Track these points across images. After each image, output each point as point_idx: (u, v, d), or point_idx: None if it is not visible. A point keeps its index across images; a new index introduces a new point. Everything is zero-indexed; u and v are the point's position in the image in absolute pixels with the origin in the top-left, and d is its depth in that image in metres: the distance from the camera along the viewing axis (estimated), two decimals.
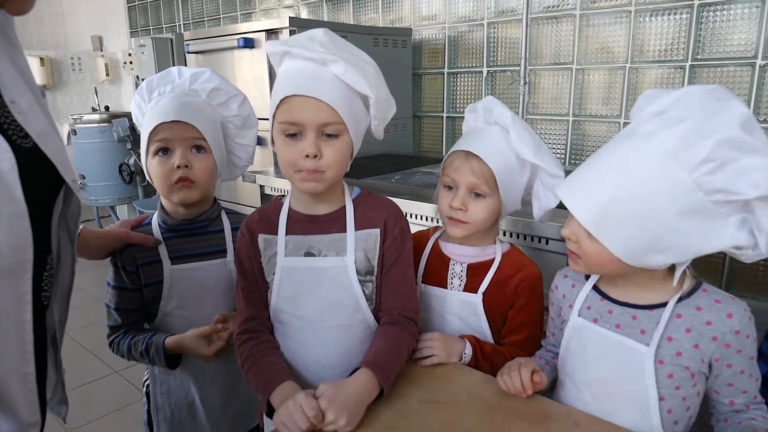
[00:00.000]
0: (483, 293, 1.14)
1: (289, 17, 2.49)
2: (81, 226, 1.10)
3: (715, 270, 2.49)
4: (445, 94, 3.29)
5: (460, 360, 1.07)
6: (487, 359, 1.10)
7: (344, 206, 1.07)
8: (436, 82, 3.33)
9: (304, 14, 3.89)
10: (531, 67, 2.92)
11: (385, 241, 1.06)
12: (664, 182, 0.77)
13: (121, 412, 2.38)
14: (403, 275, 1.08)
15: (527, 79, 2.93)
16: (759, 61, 2.27)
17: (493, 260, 1.16)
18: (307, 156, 0.96)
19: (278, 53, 1.00)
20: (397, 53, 3.10)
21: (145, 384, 1.31)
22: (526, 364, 0.96)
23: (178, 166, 1.14)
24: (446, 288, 1.18)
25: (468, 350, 1.08)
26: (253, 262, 1.08)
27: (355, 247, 1.04)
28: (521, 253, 1.21)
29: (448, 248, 1.20)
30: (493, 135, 1.11)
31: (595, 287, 0.98)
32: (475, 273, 1.17)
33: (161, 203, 1.23)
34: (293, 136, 0.97)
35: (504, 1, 2.94)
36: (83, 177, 4.65)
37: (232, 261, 1.18)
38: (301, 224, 1.07)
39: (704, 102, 0.76)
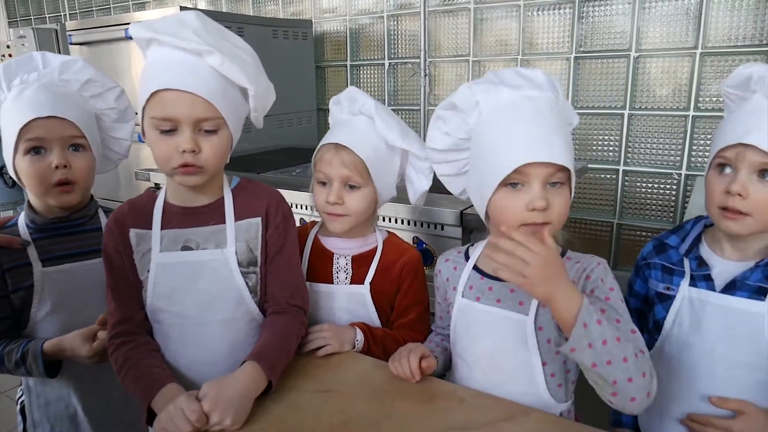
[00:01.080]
0: (370, 283, 1.15)
1: (180, 6, 2.38)
2: None
3: (603, 247, 2.70)
4: (348, 87, 3.29)
5: (353, 348, 1.08)
6: (378, 344, 1.11)
7: (223, 197, 1.03)
8: (340, 75, 3.32)
9: (202, 5, 3.74)
10: (431, 60, 2.98)
11: (267, 230, 1.04)
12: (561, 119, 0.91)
13: None
14: (288, 263, 1.06)
15: (427, 71, 2.99)
16: (633, 53, 2.45)
17: (375, 249, 1.17)
18: (184, 151, 0.92)
19: (144, 39, 0.94)
20: (298, 45, 3.06)
21: (20, 400, 1.20)
22: (415, 350, 0.99)
23: (56, 167, 1.06)
24: (332, 283, 1.16)
25: (360, 337, 1.08)
26: (124, 259, 1.01)
27: (236, 237, 1.01)
28: (399, 238, 1.23)
29: (330, 243, 1.19)
30: (359, 125, 1.11)
31: (475, 267, 1.02)
32: (360, 264, 1.16)
33: (29, 201, 1.13)
34: (168, 131, 0.93)
35: None
36: None
37: None
38: (177, 217, 1.01)
39: (521, 71, 0.91)
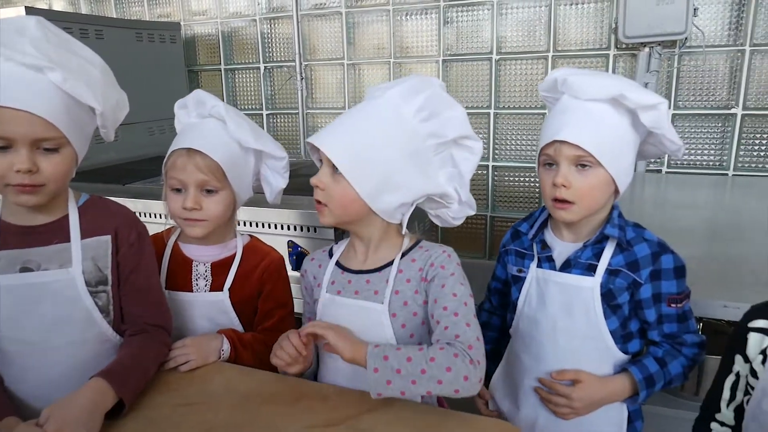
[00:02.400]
0: (229, 290, 1.13)
1: (26, 6, 2.19)
2: None
3: (479, 239, 2.86)
4: (224, 92, 3.21)
5: (219, 358, 1.06)
6: (248, 348, 1.10)
7: (67, 214, 0.98)
8: (215, 79, 3.23)
9: (59, 6, 3.47)
10: (307, 63, 2.99)
11: (119, 249, 1.00)
12: (396, 126, 0.93)
13: None
14: (147, 282, 1.03)
15: (303, 75, 2.99)
16: (494, 56, 2.61)
17: (235, 255, 1.16)
18: (20, 171, 0.85)
19: None
20: (167, 49, 2.93)
21: None
22: (292, 332, 0.99)
23: None
24: (192, 291, 1.13)
25: (225, 346, 1.06)
26: None
27: (83, 256, 0.95)
28: (261, 242, 1.23)
29: (189, 250, 1.16)
30: (210, 128, 1.09)
31: (337, 263, 1.05)
32: (219, 271, 1.14)
33: None
34: (2, 148, 0.85)
35: None
36: None
37: None
38: (15, 237, 0.94)
39: (412, 77, 0.97)
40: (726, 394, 0.91)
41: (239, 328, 1.15)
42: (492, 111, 2.68)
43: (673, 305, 0.99)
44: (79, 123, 0.91)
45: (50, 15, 2.33)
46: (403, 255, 0.99)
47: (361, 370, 0.96)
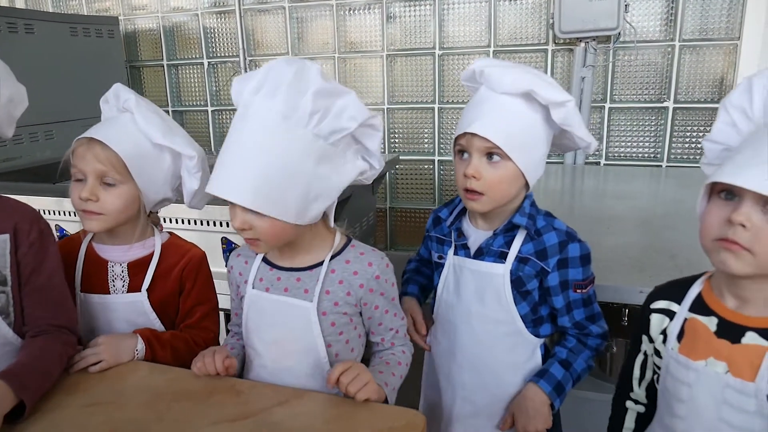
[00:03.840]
0: (147, 290, 1.11)
1: None
2: None
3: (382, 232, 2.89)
4: (167, 87, 3.14)
5: (133, 358, 1.03)
6: (166, 347, 1.07)
7: None
8: (158, 75, 3.16)
9: None
10: (251, 58, 2.95)
11: (18, 248, 0.97)
12: (293, 143, 0.86)
13: None
14: (49, 282, 1.00)
15: (247, 70, 2.95)
16: (437, 52, 2.64)
17: (153, 254, 1.13)
18: None
19: None
20: (104, 44, 2.84)
21: None
22: (220, 351, 0.99)
23: None
24: (109, 293, 1.10)
25: (140, 346, 1.04)
26: None
27: None
28: (181, 239, 1.20)
29: (104, 250, 1.12)
30: (122, 121, 1.06)
31: (265, 259, 1.04)
32: (137, 271, 1.11)
33: None
34: None
35: None
36: None
37: None
38: None
39: (286, 70, 0.87)
40: (636, 372, 0.94)
41: (160, 328, 1.12)
42: (436, 106, 2.71)
43: (578, 291, 1.01)
44: None
45: None
46: (335, 255, 0.98)
47: (284, 366, 1.00)
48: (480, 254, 1.04)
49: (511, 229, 1.02)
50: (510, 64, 1.02)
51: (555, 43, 2.47)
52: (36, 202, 1.85)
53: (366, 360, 1.04)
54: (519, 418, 1.02)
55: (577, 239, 1.01)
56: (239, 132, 0.88)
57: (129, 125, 1.05)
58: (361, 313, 1.01)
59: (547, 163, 1.06)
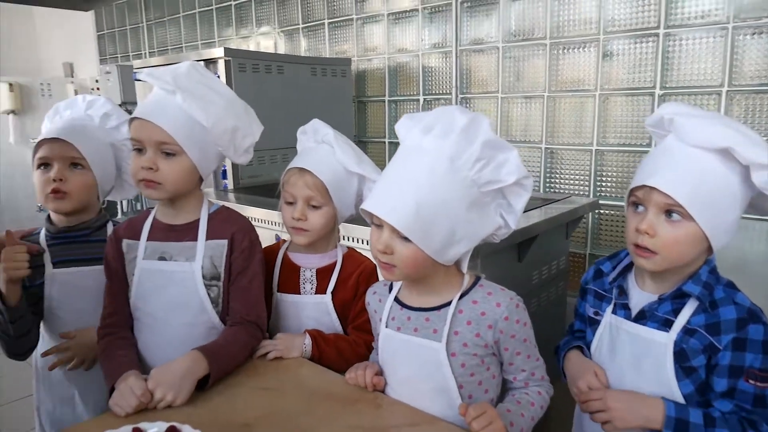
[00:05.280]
0: (331, 293, 1.27)
1: (225, 48, 2.64)
2: None
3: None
4: (387, 120, 3.45)
5: (302, 353, 1.18)
6: (331, 345, 1.21)
7: (199, 219, 1.20)
8: (379, 109, 3.50)
9: (265, 44, 4.06)
10: (462, 96, 3.09)
11: (232, 252, 1.19)
12: (452, 184, 0.91)
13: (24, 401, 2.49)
14: (249, 284, 1.19)
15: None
16: (657, 92, 2.45)
17: (336, 262, 1.29)
18: (143, 168, 1.10)
19: (146, 82, 1.14)
20: (338, 82, 3.26)
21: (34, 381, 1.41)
22: (372, 367, 1.09)
23: (54, 180, 1.27)
24: (299, 294, 1.28)
25: (307, 341, 1.19)
26: (117, 264, 1.21)
27: (204, 254, 1.17)
28: (358, 252, 1.34)
29: (297, 258, 1.31)
30: (321, 152, 1.25)
31: (396, 299, 1.08)
32: (323, 276, 1.28)
33: (48, 214, 1.35)
34: (139, 151, 1.11)
35: (437, 33, 3.13)
36: None
37: None
38: (161, 232, 1.19)
39: (460, 117, 0.92)
40: None
41: (339, 328, 1.28)
42: (593, 147, 2.50)
43: (752, 382, 0.86)
44: (196, 138, 1.12)
45: (241, 54, 2.77)
46: (463, 294, 1.00)
47: (418, 406, 1.02)
48: (642, 317, 0.96)
49: (680, 296, 0.92)
50: (705, 113, 0.93)
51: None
52: (264, 214, 2.21)
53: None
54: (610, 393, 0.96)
55: (763, 321, 0.87)
56: (404, 162, 0.96)
57: (328, 156, 1.23)
58: (494, 354, 1.01)
59: (745, 218, 0.94)
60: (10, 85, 5.49)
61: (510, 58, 2.88)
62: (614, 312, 1.01)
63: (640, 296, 0.98)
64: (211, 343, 1.11)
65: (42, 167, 1.29)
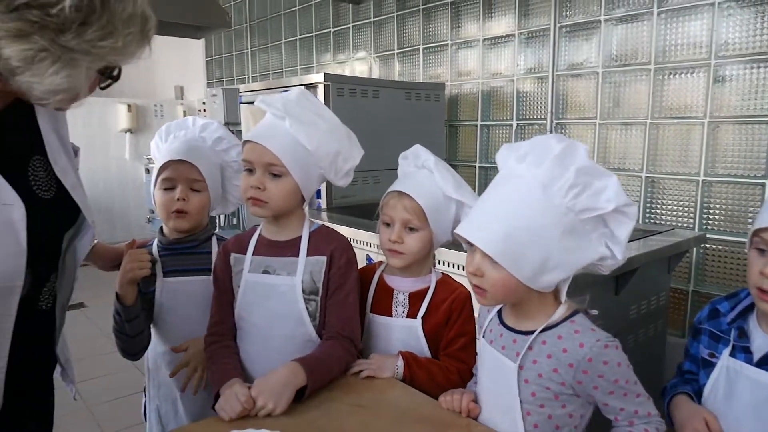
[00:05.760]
0: (422, 317, 1.27)
1: (325, 73, 2.76)
2: (95, 242, 1.34)
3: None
4: (478, 145, 3.44)
5: (395, 374, 1.19)
6: (423, 368, 1.21)
7: (301, 236, 1.26)
8: (471, 134, 3.49)
9: (359, 69, 4.20)
10: (557, 121, 3.03)
11: (330, 269, 1.24)
12: (546, 211, 0.91)
13: (132, 398, 2.73)
14: (345, 300, 1.23)
15: (553, 132, 3.03)
16: (707, 120, 2.27)
17: (429, 287, 1.29)
18: (252, 186, 1.17)
19: (260, 107, 1.24)
20: (431, 106, 3.31)
21: (145, 380, 1.51)
22: (468, 393, 1.09)
23: (178, 199, 1.37)
24: (391, 316, 1.29)
25: (399, 363, 1.20)
26: (225, 276, 1.28)
27: (304, 270, 1.22)
28: (452, 278, 1.33)
29: (391, 280, 1.33)
30: (421, 177, 1.27)
31: (498, 313, 1.09)
32: (415, 300, 1.28)
33: (161, 226, 1.46)
34: (249, 171, 1.20)
35: (533, 58, 3.10)
36: (152, 212, 5.11)
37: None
38: (265, 247, 1.27)
39: (555, 145, 0.92)
40: None
41: (428, 352, 1.28)
42: None
43: None
44: (300, 161, 1.18)
45: (340, 79, 2.89)
46: (552, 326, 0.98)
47: (487, 418, 1.05)
48: (765, 363, 0.89)
49: None
50: None
51: None
52: (354, 233, 2.26)
53: None
54: None
55: None
56: (497, 188, 0.99)
57: (427, 181, 1.25)
58: (577, 395, 0.97)
59: None
60: (129, 106, 6.03)
61: (610, 83, 2.79)
62: (732, 355, 0.94)
63: (764, 340, 0.91)
64: (309, 355, 1.15)
65: (165, 187, 1.39)
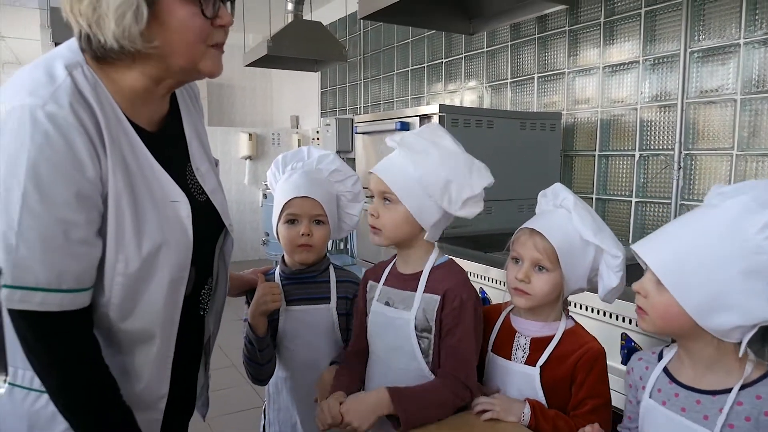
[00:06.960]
0: (541, 366, 1.19)
1: (440, 105, 2.78)
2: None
3: None
4: (595, 176, 3.29)
5: (519, 420, 1.13)
6: (549, 421, 1.13)
7: (423, 270, 1.26)
8: (588, 164, 3.35)
9: (468, 100, 4.20)
10: (686, 152, 2.82)
11: (443, 309, 1.21)
12: (733, 241, 0.86)
13: (247, 413, 2.88)
14: (458, 344, 1.19)
15: (681, 164, 2.82)
16: None
17: (555, 335, 1.21)
18: (370, 214, 1.24)
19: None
20: (546, 136, 3.22)
21: (265, 402, 1.57)
22: None
23: (303, 234, 1.43)
24: (510, 359, 1.25)
25: (526, 410, 1.13)
26: (362, 303, 1.35)
27: (419, 306, 1.22)
28: (584, 330, 1.24)
29: (516, 322, 1.29)
30: (557, 216, 1.20)
31: (665, 370, 1.00)
32: (537, 347, 1.22)
33: (282, 256, 1.52)
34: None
35: (659, 85, 2.92)
36: (267, 234, 5.39)
37: (334, 307, 1.43)
38: (393, 278, 1.30)
39: (757, 184, 0.88)
40: None
41: (544, 404, 1.20)
42: None
43: None
44: (410, 189, 1.20)
45: (454, 110, 2.90)
46: (747, 385, 0.89)
47: None
48: None
49: None
50: None
51: None
52: (468, 265, 2.23)
53: None
54: None
55: None
56: (687, 215, 0.97)
57: (564, 221, 1.19)
58: None
59: None
60: (250, 135, 6.45)
61: (750, 110, 2.56)
62: None
63: None
64: (406, 386, 1.15)
65: (288, 222, 1.46)
